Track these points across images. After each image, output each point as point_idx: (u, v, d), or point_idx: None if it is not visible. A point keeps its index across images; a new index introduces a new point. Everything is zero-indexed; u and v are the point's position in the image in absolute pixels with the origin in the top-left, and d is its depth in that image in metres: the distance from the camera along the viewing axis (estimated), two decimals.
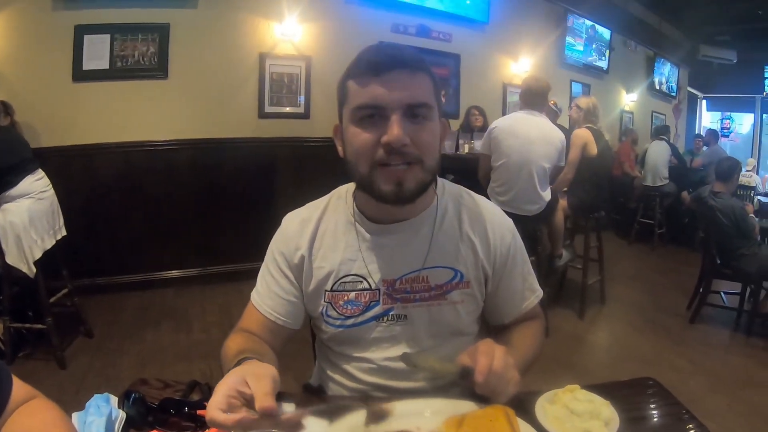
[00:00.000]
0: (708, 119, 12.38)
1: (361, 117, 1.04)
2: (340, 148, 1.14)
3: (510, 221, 1.29)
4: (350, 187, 1.24)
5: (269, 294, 1.22)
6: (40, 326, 3.14)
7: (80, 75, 4.19)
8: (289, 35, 4.95)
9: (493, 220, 1.25)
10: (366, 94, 1.03)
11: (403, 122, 1.01)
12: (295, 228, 1.23)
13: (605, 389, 0.99)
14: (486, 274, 1.22)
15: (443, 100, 4.96)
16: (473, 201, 1.27)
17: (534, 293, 1.30)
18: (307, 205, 1.28)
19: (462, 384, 0.98)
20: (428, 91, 1.07)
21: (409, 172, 1.04)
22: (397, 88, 1.01)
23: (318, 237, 1.21)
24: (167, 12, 4.45)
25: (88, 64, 4.20)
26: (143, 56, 4.39)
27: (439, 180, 1.25)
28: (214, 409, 0.77)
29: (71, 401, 0.91)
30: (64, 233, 3.37)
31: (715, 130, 9.13)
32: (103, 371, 3.13)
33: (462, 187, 1.30)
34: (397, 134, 1.00)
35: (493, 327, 1.32)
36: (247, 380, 0.80)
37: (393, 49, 1.07)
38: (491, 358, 0.94)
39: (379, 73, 1.02)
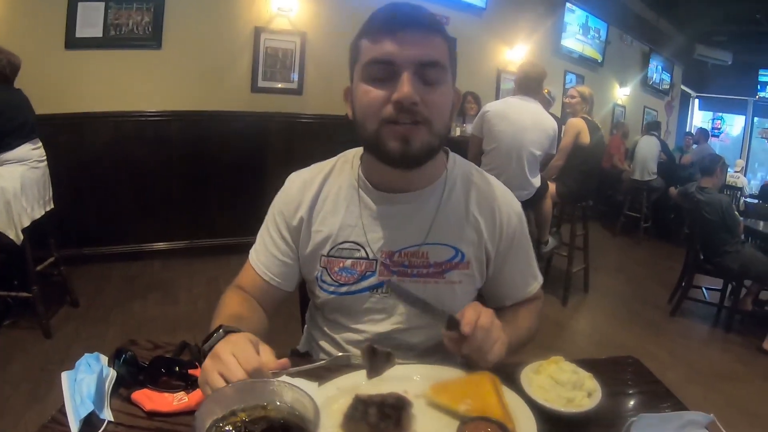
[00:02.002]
0: (699, 118, 12.47)
1: (372, 74, 1.02)
2: (349, 111, 1.12)
3: (518, 204, 1.27)
4: (357, 151, 1.23)
5: (266, 254, 1.23)
6: (25, 294, 3.11)
7: (73, 42, 4.12)
8: (285, 10, 4.90)
9: (501, 201, 1.23)
10: (378, 50, 1.01)
11: (415, 82, 1.00)
12: (296, 189, 1.22)
13: (587, 365, 1.00)
14: (488, 255, 1.21)
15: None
16: (483, 179, 1.25)
17: (536, 279, 1.30)
18: (312, 166, 1.27)
19: (448, 337, 0.99)
20: (442, 52, 1.05)
21: (416, 130, 1.02)
22: (410, 45, 1.00)
23: (320, 200, 1.20)
24: None
25: (81, 32, 4.13)
26: (137, 25, 4.33)
27: (451, 154, 1.24)
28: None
29: (56, 370, 0.91)
30: (52, 206, 3.35)
31: (705, 129, 9.21)
32: (89, 341, 3.12)
33: (473, 164, 1.29)
34: (407, 92, 0.98)
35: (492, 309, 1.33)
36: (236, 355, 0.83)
37: (409, 7, 1.04)
38: (478, 314, 0.96)
39: (393, 30, 1.00)
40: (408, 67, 0.99)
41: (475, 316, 0.95)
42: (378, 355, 0.96)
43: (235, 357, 0.82)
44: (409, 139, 1.02)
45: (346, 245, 1.17)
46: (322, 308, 1.26)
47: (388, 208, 1.16)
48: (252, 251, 1.25)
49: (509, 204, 1.24)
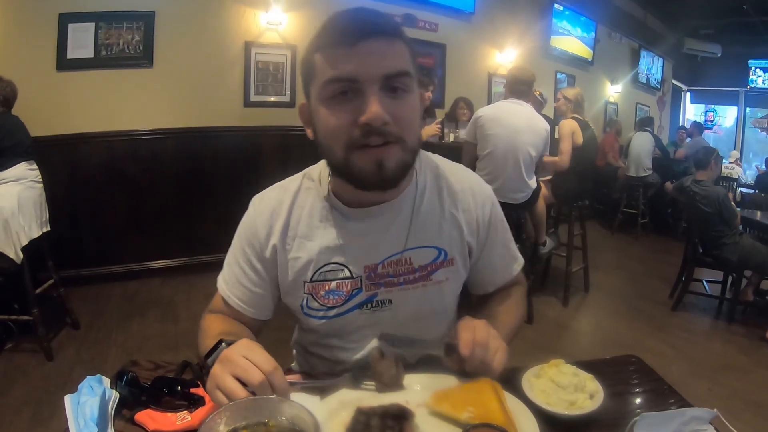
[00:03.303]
0: (692, 112, 12.52)
1: (333, 94, 0.93)
2: (309, 131, 1.04)
3: (489, 188, 1.24)
4: (322, 168, 1.15)
5: (237, 285, 1.17)
6: (26, 318, 3.10)
7: (64, 64, 4.13)
8: (275, 24, 4.93)
9: (473, 189, 1.20)
10: (337, 67, 0.91)
11: (382, 97, 0.91)
12: (265, 218, 1.14)
13: (589, 366, 1.01)
14: (470, 248, 1.19)
15: (431, 93, 4.82)
16: (451, 171, 1.21)
17: (516, 260, 1.29)
18: (276, 186, 1.19)
19: (449, 362, 0.99)
20: (407, 58, 0.96)
21: (388, 151, 0.94)
22: (373, 58, 0.90)
23: (291, 226, 1.13)
24: (152, 0, 4.41)
25: (72, 53, 4.14)
26: (128, 45, 4.34)
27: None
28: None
29: (59, 392, 0.91)
30: (49, 228, 3.35)
31: (699, 122, 9.21)
32: (91, 362, 3.11)
33: (436, 155, 1.23)
34: (376, 112, 0.89)
35: (475, 297, 1.31)
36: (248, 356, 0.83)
37: (365, 13, 0.95)
38: (473, 331, 0.95)
39: (352, 42, 0.90)
40: (373, 82, 0.91)
41: (471, 335, 0.94)
42: (386, 359, 0.96)
43: (248, 359, 0.82)
44: (382, 161, 0.94)
45: (329, 267, 1.11)
46: (311, 335, 1.22)
47: (365, 223, 1.11)
48: (221, 280, 1.19)
49: (481, 191, 1.22)
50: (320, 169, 1.15)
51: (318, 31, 0.98)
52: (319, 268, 1.11)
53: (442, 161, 1.22)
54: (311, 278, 1.12)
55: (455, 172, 1.21)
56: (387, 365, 0.97)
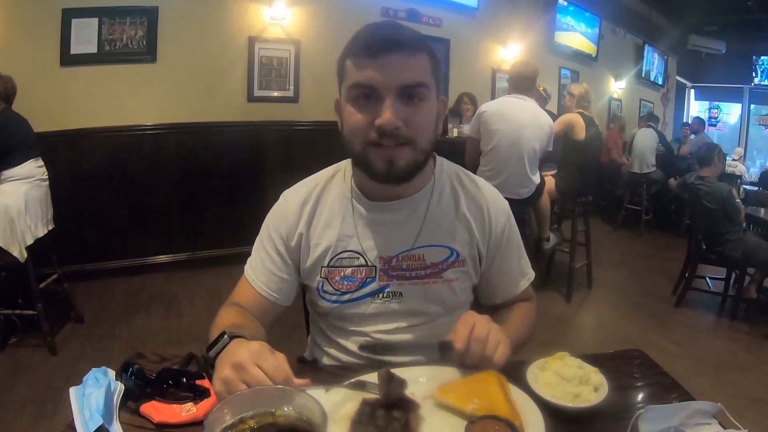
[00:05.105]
0: (696, 108, 12.45)
1: (356, 96, 1.05)
2: (340, 123, 1.14)
3: (506, 203, 1.30)
4: (349, 162, 1.23)
5: (263, 270, 1.22)
6: (30, 312, 3.11)
7: (68, 59, 4.13)
8: (279, 19, 4.92)
9: (489, 201, 1.25)
10: (360, 75, 1.03)
11: (397, 105, 1.02)
12: (294, 208, 1.22)
13: (593, 359, 1.01)
14: (480, 253, 1.24)
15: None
16: (471, 181, 1.27)
17: (526, 276, 1.32)
18: (306, 180, 1.28)
19: (444, 357, 1.00)
20: (425, 71, 1.06)
21: (400, 151, 1.04)
22: (391, 71, 1.01)
23: (317, 214, 1.22)
24: None
25: (75, 49, 4.14)
26: (132, 40, 4.34)
27: (438, 159, 1.26)
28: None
29: (63, 387, 0.91)
30: (53, 226, 3.36)
31: (702, 119, 9.17)
32: (94, 356, 3.12)
33: (460, 167, 1.31)
34: (388, 119, 1.01)
35: (485, 307, 1.33)
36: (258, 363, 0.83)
37: (391, 29, 1.07)
38: (470, 327, 0.97)
39: (374, 54, 1.01)
40: (390, 91, 1.02)
41: (467, 330, 0.96)
42: (394, 381, 0.96)
43: (260, 368, 0.82)
44: (393, 160, 1.05)
45: (345, 254, 1.19)
46: (325, 316, 1.27)
47: (381, 216, 1.19)
48: (248, 268, 1.25)
49: (497, 203, 1.27)
50: (346, 163, 1.25)
51: (352, 38, 1.08)
52: (337, 255, 1.19)
53: (465, 172, 1.30)
54: (328, 263, 1.20)
55: (477, 183, 1.28)
56: (395, 387, 0.97)
